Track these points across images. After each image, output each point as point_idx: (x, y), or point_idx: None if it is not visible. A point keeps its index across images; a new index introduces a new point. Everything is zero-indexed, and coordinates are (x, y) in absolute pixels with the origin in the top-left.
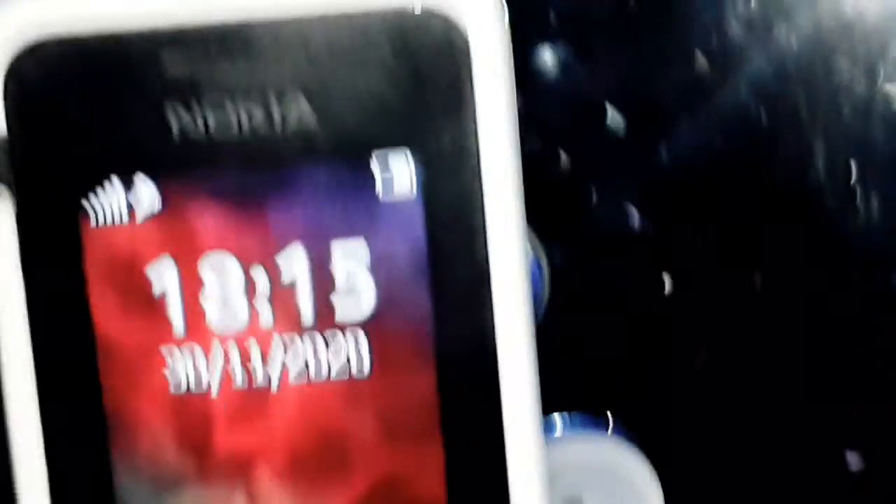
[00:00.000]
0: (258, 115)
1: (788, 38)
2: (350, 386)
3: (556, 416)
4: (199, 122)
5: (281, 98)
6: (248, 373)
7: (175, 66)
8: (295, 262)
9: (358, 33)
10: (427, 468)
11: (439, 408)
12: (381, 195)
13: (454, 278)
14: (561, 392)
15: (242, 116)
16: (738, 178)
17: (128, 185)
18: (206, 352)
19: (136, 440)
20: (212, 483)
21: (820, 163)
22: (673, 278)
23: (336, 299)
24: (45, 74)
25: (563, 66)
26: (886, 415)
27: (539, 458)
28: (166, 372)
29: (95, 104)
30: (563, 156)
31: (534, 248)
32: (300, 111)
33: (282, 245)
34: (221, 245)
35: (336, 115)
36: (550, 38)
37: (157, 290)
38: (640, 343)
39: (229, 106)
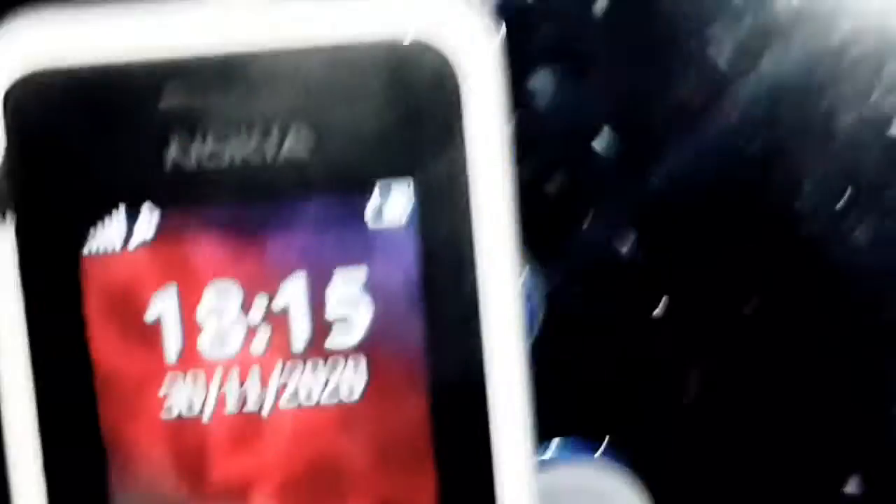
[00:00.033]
0: (253, 145)
1: (781, 63)
2: (343, 412)
3: (548, 439)
4: (197, 152)
5: (275, 129)
6: (244, 399)
7: (172, 96)
8: (290, 291)
9: (351, 65)
10: (419, 493)
11: (432, 433)
12: (374, 224)
13: (447, 305)
14: (553, 415)
15: (238, 147)
16: (730, 202)
17: (127, 214)
18: (203, 378)
19: (133, 467)
20: None
21: (812, 188)
22: (666, 301)
23: (330, 326)
24: (44, 104)
25: (556, 89)
26: (885, 439)
27: (530, 483)
28: (162, 399)
29: (93, 134)
30: (557, 179)
31: (528, 271)
32: (293, 142)
33: (277, 274)
34: (218, 274)
35: (329, 146)
36: (542, 61)
37: (153, 318)
38: (632, 366)
39: (225, 136)
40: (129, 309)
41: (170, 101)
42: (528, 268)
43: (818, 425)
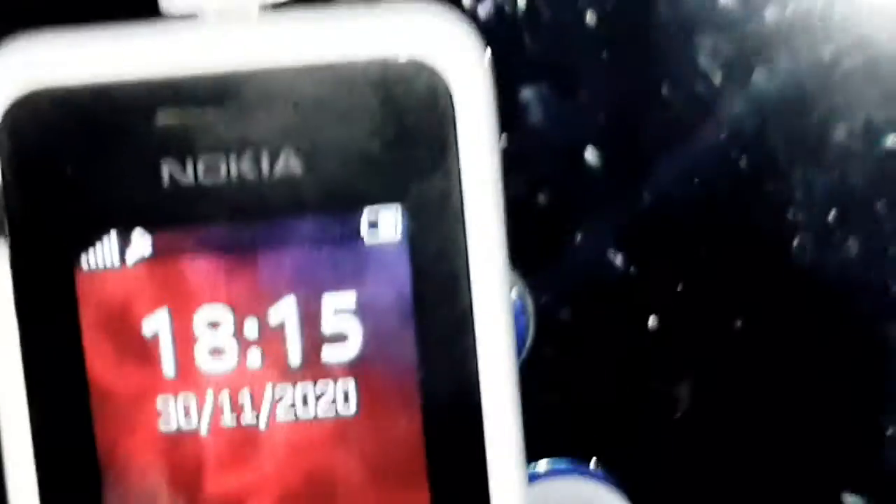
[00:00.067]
0: (247, 165)
1: (769, 80)
2: (337, 428)
3: (540, 455)
4: (191, 171)
5: (270, 147)
6: (238, 415)
7: (168, 115)
8: (284, 309)
9: (345, 83)
10: None
11: (425, 449)
12: (367, 243)
13: (438, 323)
14: (544, 431)
15: (232, 166)
16: (719, 216)
17: (121, 233)
18: (197, 395)
19: (129, 482)
20: None
21: (801, 202)
22: (656, 318)
23: (323, 343)
24: (39, 124)
25: (546, 106)
26: (877, 455)
27: (522, 499)
28: (159, 413)
29: (90, 152)
30: (546, 196)
31: (518, 290)
32: (287, 161)
33: (272, 293)
34: (214, 290)
35: (324, 165)
36: (532, 79)
37: (150, 333)
38: (623, 382)
39: (220, 156)
40: (125, 324)
41: (165, 119)
42: (518, 285)
43: (809, 440)
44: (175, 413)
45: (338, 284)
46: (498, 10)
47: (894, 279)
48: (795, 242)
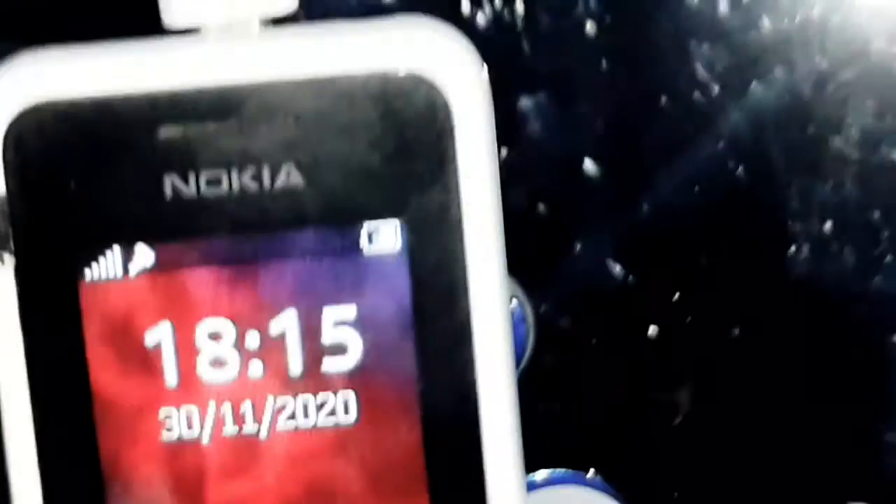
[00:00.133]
0: (248, 178)
1: (766, 91)
2: (337, 438)
3: (539, 466)
4: (193, 184)
5: (272, 160)
6: (240, 426)
7: (169, 129)
8: (285, 321)
9: (346, 96)
10: None
11: (424, 458)
12: (366, 255)
13: (438, 334)
14: (543, 440)
15: (234, 179)
16: (716, 228)
17: (124, 246)
18: (200, 406)
19: (131, 493)
20: None
21: (796, 214)
22: (656, 328)
23: (324, 355)
24: (43, 137)
25: (545, 117)
26: (876, 463)
27: None
28: (161, 422)
29: (91, 166)
30: (546, 206)
31: (518, 299)
32: (289, 174)
33: (273, 305)
34: (216, 301)
35: (324, 178)
36: (531, 89)
37: (152, 343)
38: (622, 392)
39: (222, 169)
40: (128, 336)
41: (167, 133)
42: (518, 294)
43: (808, 449)
44: (178, 423)
45: (338, 296)
46: (497, 20)
47: (890, 288)
48: (792, 252)
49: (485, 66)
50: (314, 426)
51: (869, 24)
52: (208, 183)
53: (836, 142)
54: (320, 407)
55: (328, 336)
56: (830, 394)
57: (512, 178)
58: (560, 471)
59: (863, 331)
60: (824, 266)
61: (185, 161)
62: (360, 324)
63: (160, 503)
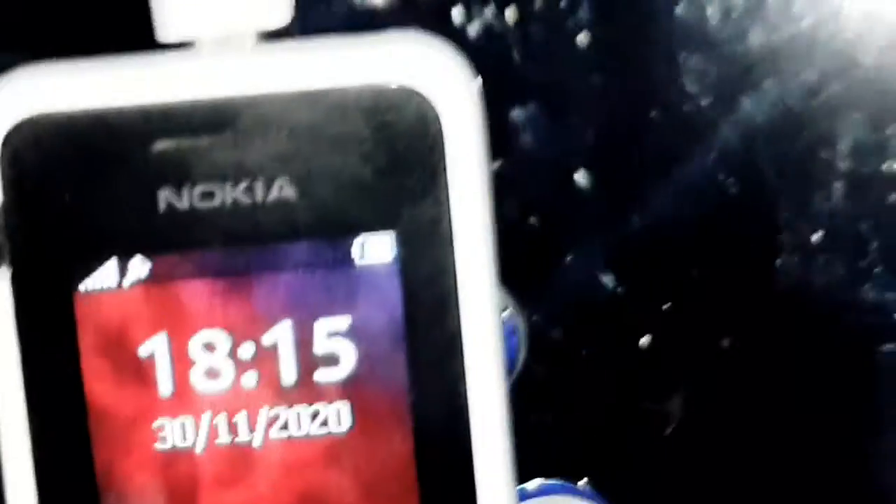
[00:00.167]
0: (242, 190)
1: (756, 103)
2: (330, 448)
3: (531, 476)
4: (187, 197)
5: (265, 173)
6: (234, 436)
7: (164, 141)
8: (278, 332)
9: (338, 109)
10: None
11: (415, 468)
12: (359, 267)
13: (430, 345)
14: (535, 450)
15: (228, 192)
16: (707, 239)
17: (119, 258)
18: (194, 416)
19: (125, 502)
20: None
21: (786, 225)
22: (647, 338)
23: (317, 365)
24: (38, 150)
25: (536, 129)
26: (872, 473)
27: None
28: (155, 431)
29: (86, 179)
30: (537, 218)
31: (509, 310)
32: (282, 186)
33: (266, 316)
34: (210, 312)
35: (317, 191)
36: (522, 101)
37: (146, 353)
38: (613, 403)
39: (216, 181)
40: (123, 347)
41: (162, 146)
42: (510, 305)
43: (798, 459)
44: (172, 433)
45: (331, 308)
46: (488, 31)
47: (879, 299)
48: (781, 262)
49: (477, 79)
50: (307, 436)
51: (859, 35)
52: (202, 195)
53: (826, 153)
54: (313, 417)
55: (321, 347)
56: (821, 403)
57: (503, 189)
58: (551, 480)
59: (852, 341)
60: (814, 276)
61: (179, 174)
62: (353, 335)
63: None
